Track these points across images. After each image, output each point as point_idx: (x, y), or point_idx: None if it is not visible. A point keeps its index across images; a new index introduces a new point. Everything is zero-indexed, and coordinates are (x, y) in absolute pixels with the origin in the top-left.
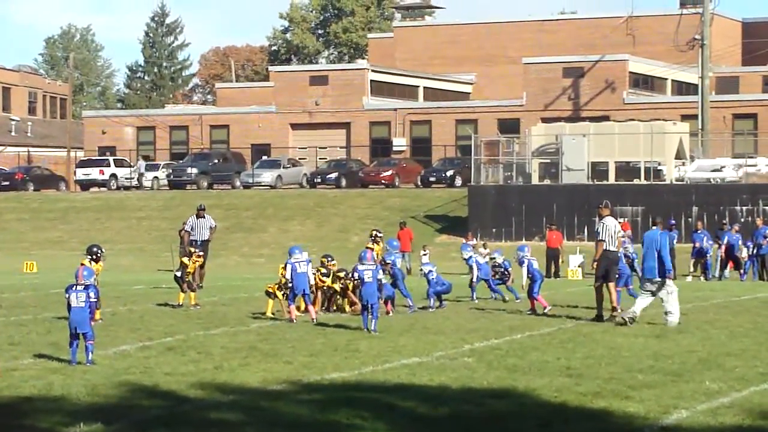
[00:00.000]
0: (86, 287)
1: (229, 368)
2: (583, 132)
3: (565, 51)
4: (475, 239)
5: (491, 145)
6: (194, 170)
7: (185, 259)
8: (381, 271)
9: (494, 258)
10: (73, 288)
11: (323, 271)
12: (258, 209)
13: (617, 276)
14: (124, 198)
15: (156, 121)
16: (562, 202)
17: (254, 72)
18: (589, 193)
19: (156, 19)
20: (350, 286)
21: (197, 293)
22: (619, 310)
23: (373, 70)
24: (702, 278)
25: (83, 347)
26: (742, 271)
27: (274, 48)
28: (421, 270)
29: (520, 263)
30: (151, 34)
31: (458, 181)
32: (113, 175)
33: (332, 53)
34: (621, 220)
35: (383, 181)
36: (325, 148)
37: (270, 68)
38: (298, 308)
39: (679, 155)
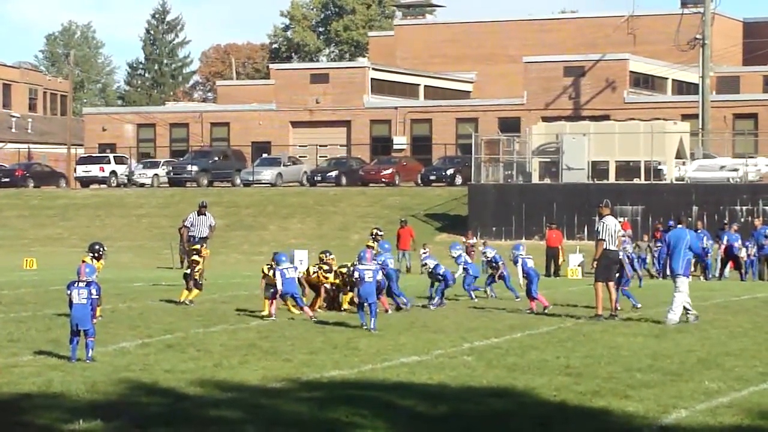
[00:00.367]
0: (88, 284)
1: (228, 366)
2: (583, 131)
3: (566, 50)
4: (475, 238)
5: (491, 144)
6: (194, 168)
7: (196, 257)
8: (380, 272)
9: (485, 253)
10: (75, 285)
11: (325, 267)
12: (258, 207)
13: (618, 276)
14: (124, 195)
15: (156, 118)
16: (562, 201)
17: (255, 70)
18: (589, 192)
19: (157, 16)
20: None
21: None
22: (619, 310)
23: (373, 69)
24: (702, 278)
25: (83, 344)
26: (743, 270)
27: (274, 46)
28: (426, 265)
29: (515, 262)
30: (151, 32)
31: (458, 180)
32: (113, 172)
33: (333, 51)
34: (621, 219)
35: (383, 180)
36: (326, 146)
37: (271, 66)
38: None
39: (679, 155)
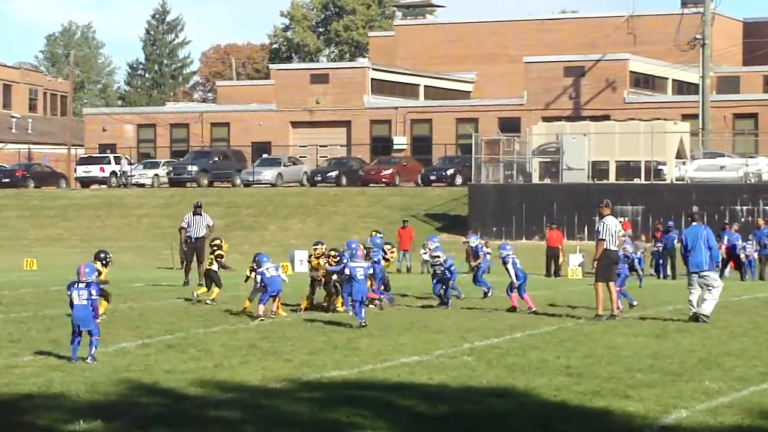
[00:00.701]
0: (88, 284)
1: (229, 366)
2: (583, 131)
3: (566, 50)
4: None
5: (492, 144)
6: (195, 168)
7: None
8: (372, 270)
9: (469, 241)
10: (75, 285)
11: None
12: (258, 207)
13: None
14: (124, 195)
15: (156, 118)
16: (562, 201)
17: (255, 70)
18: (590, 192)
19: (157, 16)
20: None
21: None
22: (619, 311)
23: (373, 69)
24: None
25: (84, 344)
26: (743, 270)
27: (274, 46)
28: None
29: (504, 263)
30: (152, 32)
31: (459, 180)
32: (113, 173)
33: (333, 51)
34: (621, 219)
35: (384, 180)
36: (326, 146)
37: (271, 66)
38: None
39: (679, 155)
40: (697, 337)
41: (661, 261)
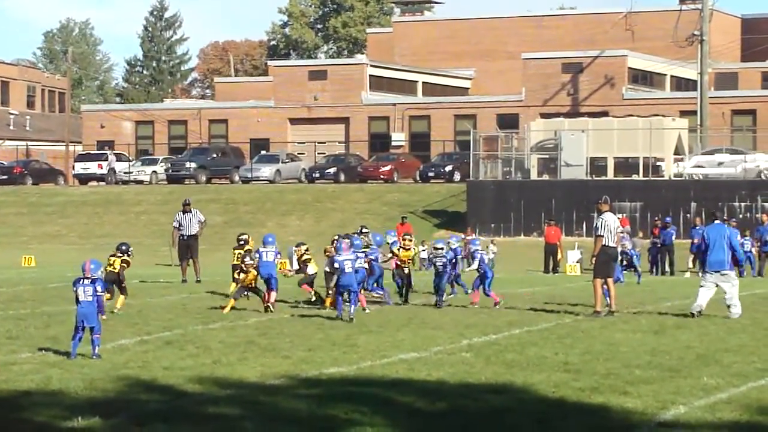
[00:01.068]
0: (93, 281)
1: (227, 363)
2: (582, 127)
3: (564, 46)
4: (474, 234)
5: (490, 141)
6: (193, 165)
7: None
8: (370, 266)
9: (449, 242)
10: (81, 282)
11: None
12: (257, 204)
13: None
14: (123, 192)
15: (154, 115)
16: (560, 198)
17: (253, 67)
18: (588, 188)
19: (155, 13)
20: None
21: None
22: (615, 307)
23: (372, 65)
24: (700, 274)
25: (86, 341)
26: (743, 266)
27: (273, 43)
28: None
29: (473, 257)
30: (149, 29)
31: (457, 176)
32: (112, 170)
33: (331, 48)
34: (620, 215)
35: (382, 176)
36: (324, 143)
37: (269, 63)
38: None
39: (677, 151)
40: (696, 333)
41: (659, 257)
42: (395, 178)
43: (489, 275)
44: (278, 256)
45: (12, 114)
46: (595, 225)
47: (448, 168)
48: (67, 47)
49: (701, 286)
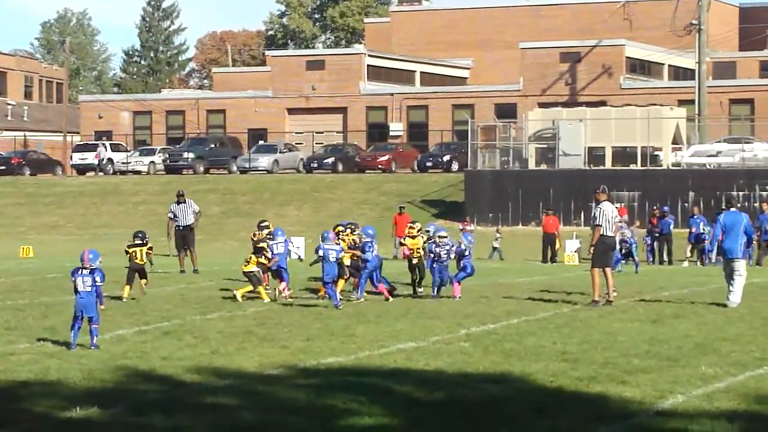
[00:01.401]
0: (92, 271)
1: (225, 353)
2: (579, 117)
3: (562, 36)
4: (473, 224)
5: (488, 130)
6: (191, 155)
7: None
8: (343, 253)
9: (428, 230)
10: (79, 272)
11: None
12: (254, 194)
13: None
14: (120, 183)
15: (152, 105)
16: (558, 187)
17: (251, 57)
18: (586, 178)
19: (152, 3)
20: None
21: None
22: (613, 296)
23: (369, 55)
24: (699, 263)
25: (84, 331)
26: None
27: (270, 32)
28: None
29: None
30: (147, 19)
31: (455, 166)
32: (110, 160)
33: (329, 38)
34: (618, 205)
35: (380, 166)
36: (322, 132)
37: (266, 53)
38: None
39: (675, 140)
40: (694, 322)
41: (656, 246)
42: (393, 168)
43: (468, 270)
44: (289, 245)
45: (9, 104)
46: (593, 214)
47: (446, 158)
48: (65, 37)
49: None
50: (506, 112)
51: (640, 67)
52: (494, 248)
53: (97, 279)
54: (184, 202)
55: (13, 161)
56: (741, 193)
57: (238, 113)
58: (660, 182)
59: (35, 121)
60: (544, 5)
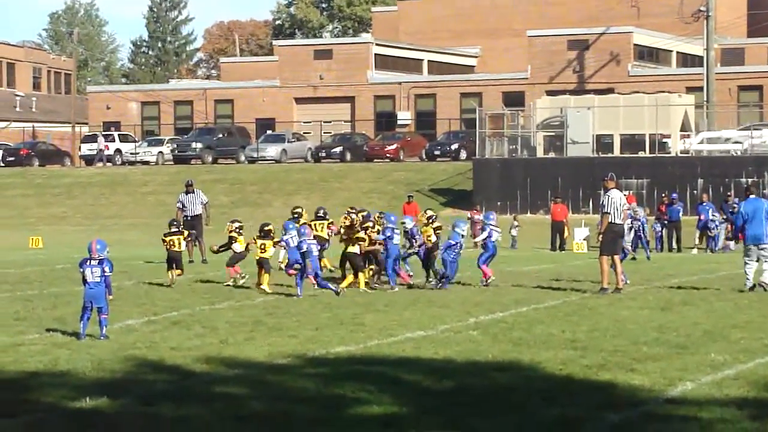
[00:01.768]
0: (100, 261)
1: (234, 342)
2: (587, 105)
3: (570, 23)
4: (481, 213)
5: (496, 119)
6: (199, 145)
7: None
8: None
9: (404, 223)
10: (87, 262)
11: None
12: (263, 184)
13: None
14: (129, 173)
15: (160, 96)
16: (566, 175)
17: (258, 46)
18: (594, 165)
19: None
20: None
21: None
22: (623, 284)
23: (377, 44)
24: (708, 250)
25: (93, 321)
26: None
27: (278, 22)
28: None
29: (482, 229)
30: (155, 9)
31: (463, 155)
32: (118, 150)
33: (336, 27)
34: (626, 192)
35: (388, 155)
36: (330, 122)
37: (274, 42)
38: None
39: (684, 127)
40: (703, 309)
41: (665, 233)
42: (401, 157)
43: (490, 251)
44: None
45: (18, 96)
46: (601, 202)
47: (454, 146)
48: (73, 28)
49: (746, 263)
50: (514, 100)
51: (648, 55)
52: (513, 237)
53: (106, 269)
54: (193, 192)
55: (21, 152)
56: (750, 180)
57: (246, 103)
58: (668, 169)
59: (44, 112)
60: None
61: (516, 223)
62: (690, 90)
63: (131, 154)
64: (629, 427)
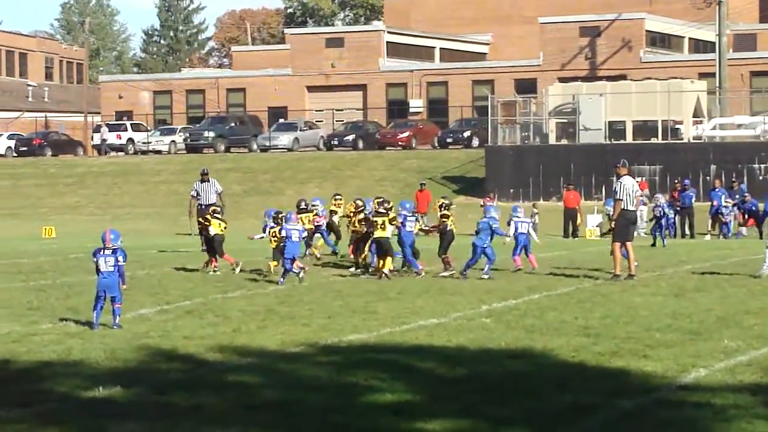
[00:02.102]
0: (114, 251)
1: (247, 331)
2: (600, 91)
3: (582, 10)
4: (495, 200)
5: (508, 106)
6: (211, 134)
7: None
8: (305, 233)
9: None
10: (101, 252)
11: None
12: (275, 172)
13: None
14: (142, 162)
15: (172, 85)
16: (579, 162)
17: (270, 35)
18: (607, 152)
19: None
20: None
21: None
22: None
23: (389, 32)
24: (720, 236)
25: (106, 311)
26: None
27: (289, 10)
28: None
29: (507, 223)
30: None
31: (475, 142)
32: (130, 140)
33: (348, 15)
34: (639, 179)
35: (400, 143)
36: (342, 110)
37: (286, 31)
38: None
39: (696, 113)
40: (716, 296)
41: (677, 219)
42: (413, 145)
43: (520, 244)
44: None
45: (30, 86)
46: (613, 189)
47: (467, 134)
48: (85, 18)
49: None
50: (526, 87)
51: (660, 41)
52: (534, 224)
53: (120, 259)
54: (208, 181)
55: (34, 142)
56: (763, 166)
57: (258, 92)
58: (681, 156)
59: (56, 101)
60: None
61: (536, 210)
62: (702, 76)
63: (143, 143)
64: (642, 413)
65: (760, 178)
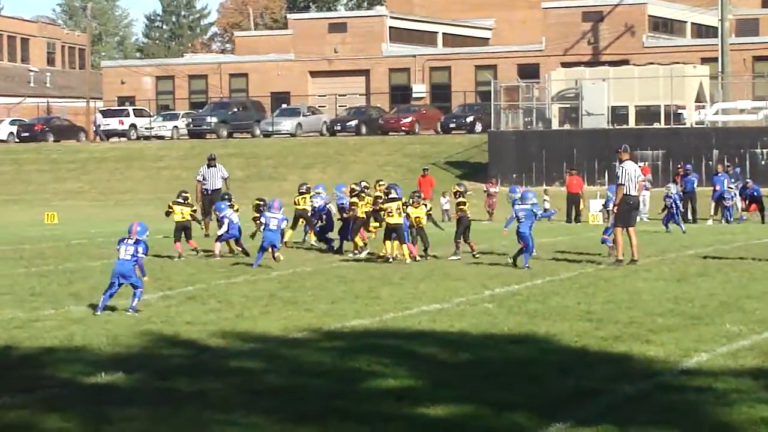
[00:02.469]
0: (136, 242)
1: (249, 316)
2: (602, 76)
3: None
4: (498, 185)
5: (511, 91)
6: (214, 119)
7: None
8: (285, 222)
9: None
10: (125, 241)
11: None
12: (278, 158)
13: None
14: (144, 148)
15: (175, 70)
16: (582, 147)
17: (273, 20)
18: (609, 137)
19: None
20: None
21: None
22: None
23: (391, 17)
24: (723, 221)
25: (118, 295)
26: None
27: None
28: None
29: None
30: None
31: (478, 127)
32: (133, 125)
33: (351, 0)
34: (641, 164)
35: (403, 128)
36: (345, 95)
37: (288, 16)
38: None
39: (699, 98)
40: (718, 280)
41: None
42: (416, 130)
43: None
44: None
45: (32, 71)
46: (615, 173)
47: (470, 119)
48: (87, 3)
49: None
50: (529, 72)
51: (662, 26)
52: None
53: (140, 250)
54: (215, 167)
55: (36, 128)
56: (765, 151)
57: (261, 77)
58: (684, 141)
59: (58, 87)
60: None
61: (546, 197)
62: (705, 61)
63: (146, 128)
64: (644, 398)
65: (763, 162)
